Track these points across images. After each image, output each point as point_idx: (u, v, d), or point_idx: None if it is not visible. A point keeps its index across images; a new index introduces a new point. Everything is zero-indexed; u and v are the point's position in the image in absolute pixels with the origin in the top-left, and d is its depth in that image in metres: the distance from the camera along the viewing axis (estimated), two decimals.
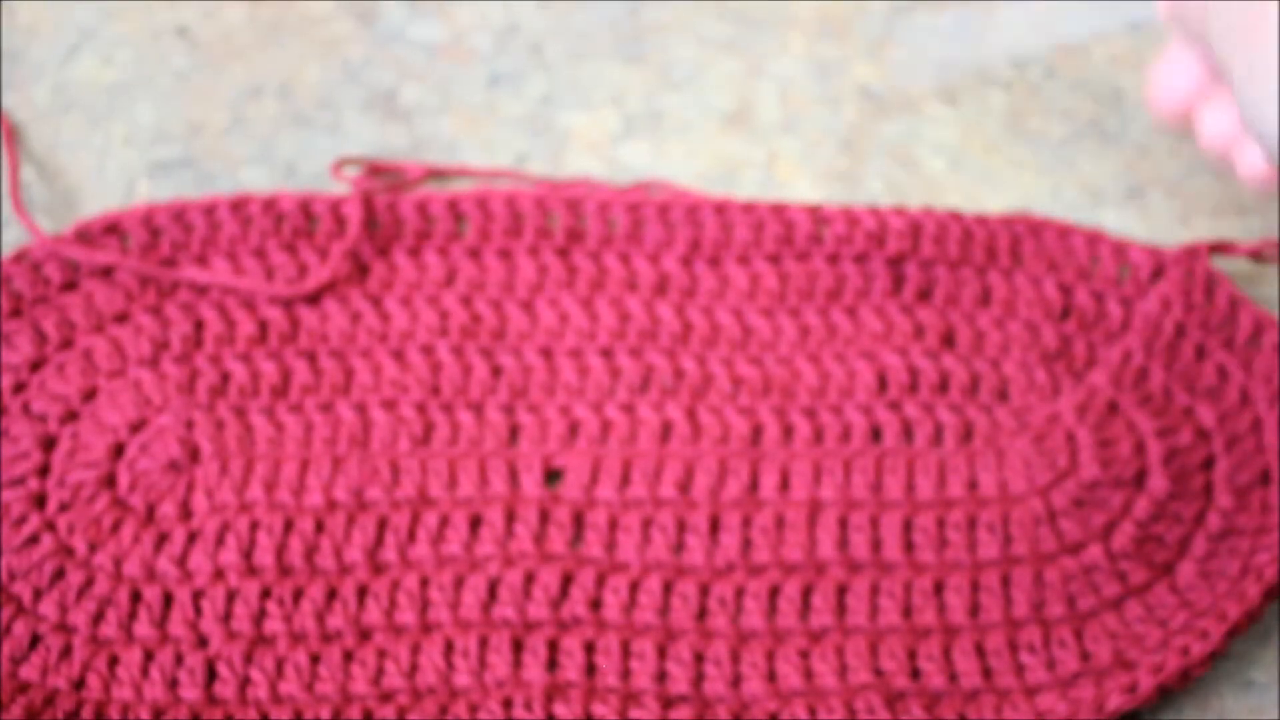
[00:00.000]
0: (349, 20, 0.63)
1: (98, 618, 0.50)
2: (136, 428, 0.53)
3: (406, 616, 0.50)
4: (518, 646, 0.49)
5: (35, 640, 0.49)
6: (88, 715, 0.48)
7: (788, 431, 0.54)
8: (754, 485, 0.53)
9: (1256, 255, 0.56)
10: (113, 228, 0.56)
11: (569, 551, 0.51)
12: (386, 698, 0.49)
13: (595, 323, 0.55)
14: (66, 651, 0.49)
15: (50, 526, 0.51)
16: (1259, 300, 0.56)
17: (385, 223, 0.57)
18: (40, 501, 0.52)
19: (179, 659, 0.49)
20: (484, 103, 0.61)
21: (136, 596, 0.50)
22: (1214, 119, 0.52)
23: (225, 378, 0.54)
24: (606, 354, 0.55)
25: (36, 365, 0.54)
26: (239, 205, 0.56)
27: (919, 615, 0.50)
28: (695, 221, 0.57)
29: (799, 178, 0.59)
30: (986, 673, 0.49)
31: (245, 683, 0.49)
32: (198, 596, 0.50)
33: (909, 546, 0.51)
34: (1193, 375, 0.54)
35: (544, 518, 0.52)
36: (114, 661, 0.49)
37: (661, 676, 0.49)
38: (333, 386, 0.54)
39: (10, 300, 0.54)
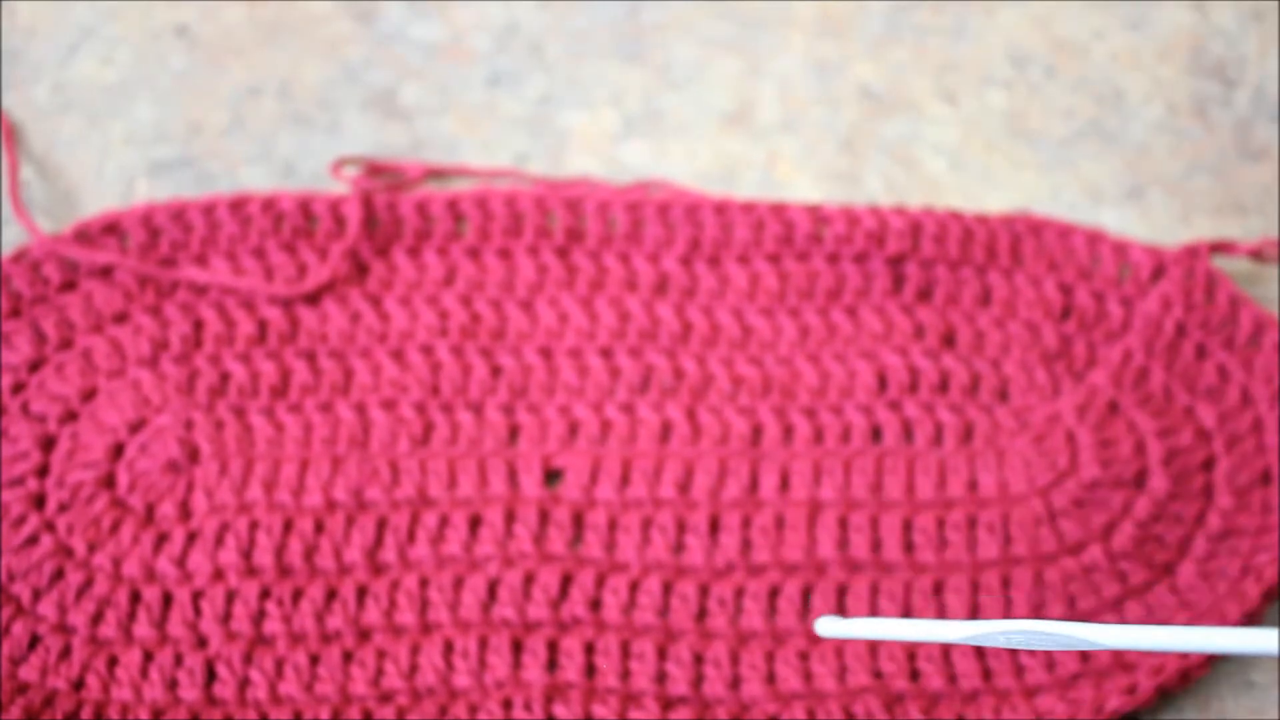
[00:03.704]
0: (349, 20, 0.62)
1: (97, 618, 0.50)
2: (136, 428, 0.53)
3: (406, 617, 0.50)
4: (517, 647, 0.49)
5: (35, 641, 0.49)
6: (87, 715, 0.48)
7: (788, 431, 0.54)
8: (754, 485, 0.52)
9: (1257, 255, 0.56)
10: (112, 227, 0.56)
11: (569, 552, 0.51)
12: (386, 698, 0.49)
13: (595, 323, 0.55)
14: (66, 652, 0.49)
15: (50, 527, 0.51)
16: (1259, 300, 0.56)
17: (385, 222, 0.57)
18: (40, 502, 0.52)
19: (178, 659, 0.49)
20: (484, 103, 0.61)
21: (136, 597, 0.50)
22: None
23: (225, 378, 0.54)
24: (606, 354, 0.55)
25: (36, 365, 0.54)
26: (238, 205, 0.56)
27: (919, 615, 0.50)
28: (695, 221, 0.57)
29: (799, 178, 0.59)
30: (986, 674, 0.49)
31: (244, 683, 0.49)
32: (197, 597, 0.50)
33: (909, 546, 0.51)
34: (1193, 375, 0.54)
35: (544, 518, 0.52)
36: (113, 662, 0.49)
37: (661, 677, 0.49)
38: (332, 387, 0.54)
39: (10, 300, 0.54)
